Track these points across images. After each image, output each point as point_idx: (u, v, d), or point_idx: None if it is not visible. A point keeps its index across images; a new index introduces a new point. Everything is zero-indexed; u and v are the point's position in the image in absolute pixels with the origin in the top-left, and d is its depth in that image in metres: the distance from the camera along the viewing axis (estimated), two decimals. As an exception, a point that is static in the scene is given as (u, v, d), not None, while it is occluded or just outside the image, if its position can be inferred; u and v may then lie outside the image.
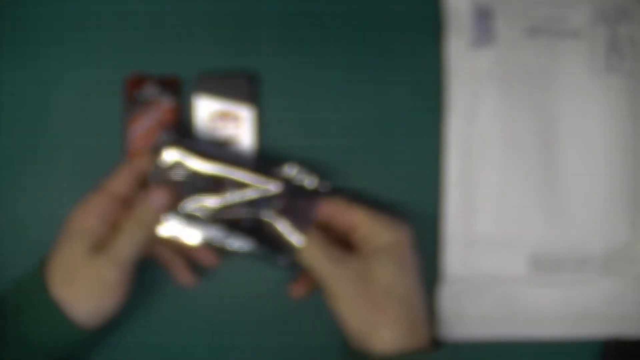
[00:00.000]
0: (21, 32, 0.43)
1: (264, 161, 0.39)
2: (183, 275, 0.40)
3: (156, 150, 0.38)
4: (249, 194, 0.38)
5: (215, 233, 0.38)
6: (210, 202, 0.38)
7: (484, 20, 0.42)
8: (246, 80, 0.42)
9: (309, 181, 0.38)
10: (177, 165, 0.38)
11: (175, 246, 0.40)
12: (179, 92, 0.42)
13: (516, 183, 0.42)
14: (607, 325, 0.43)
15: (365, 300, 0.36)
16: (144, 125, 0.41)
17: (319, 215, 0.38)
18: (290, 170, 0.38)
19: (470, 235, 0.43)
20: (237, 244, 0.38)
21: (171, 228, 0.38)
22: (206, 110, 0.42)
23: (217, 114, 0.41)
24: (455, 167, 0.43)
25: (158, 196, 0.37)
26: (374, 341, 0.35)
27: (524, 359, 0.44)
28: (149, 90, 0.41)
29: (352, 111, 0.43)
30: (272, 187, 0.38)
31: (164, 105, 0.41)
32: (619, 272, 0.43)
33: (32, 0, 0.43)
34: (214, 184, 0.38)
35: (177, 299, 0.43)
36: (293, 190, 0.38)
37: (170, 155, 0.38)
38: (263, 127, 0.43)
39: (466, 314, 0.43)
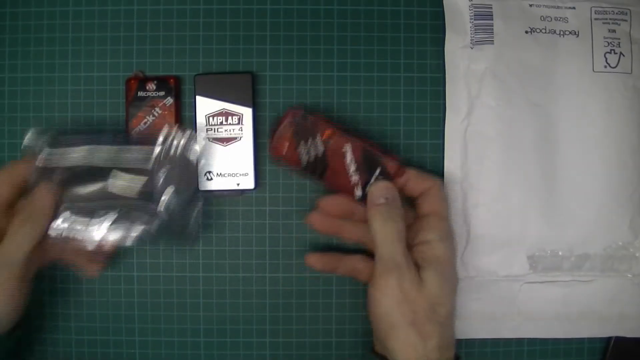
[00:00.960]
0: (23, 32, 0.43)
1: (139, 137, 0.38)
2: (88, 268, 0.39)
3: (31, 151, 0.37)
4: (132, 176, 0.37)
5: (107, 223, 0.37)
6: (93, 192, 0.37)
7: (483, 19, 0.42)
8: (246, 80, 0.42)
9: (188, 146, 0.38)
10: (54, 161, 0.37)
11: (70, 245, 0.39)
12: (179, 92, 0.42)
13: (516, 182, 0.42)
14: (607, 325, 0.43)
15: (409, 310, 0.35)
16: (145, 125, 0.41)
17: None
18: (167, 137, 0.38)
19: (469, 234, 0.43)
20: (130, 230, 0.37)
21: (61, 226, 0.37)
22: (206, 109, 0.42)
23: (216, 114, 0.42)
24: (455, 167, 0.43)
25: (41, 194, 0.36)
26: (399, 350, 0.35)
27: (524, 359, 0.44)
28: (149, 90, 0.42)
29: (352, 110, 0.43)
30: (154, 163, 0.37)
31: (164, 105, 0.41)
32: (619, 272, 0.43)
33: (34, 1, 0.43)
34: (93, 174, 0.37)
35: (177, 299, 0.43)
36: (174, 160, 0.37)
37: (46, 154, 0.37)
38: (263, 127, 0.43)
39: (466, 314, 0.43)
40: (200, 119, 0.42)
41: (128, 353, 0.43)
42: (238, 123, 0.42)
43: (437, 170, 0.43)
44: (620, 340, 0.43)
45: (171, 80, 0.42)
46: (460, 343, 0.44)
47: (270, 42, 0.43)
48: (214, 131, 0.42)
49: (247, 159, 0.42)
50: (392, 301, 0.35)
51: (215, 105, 0.42)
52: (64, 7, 0.43)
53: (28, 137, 0.37)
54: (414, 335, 0.35)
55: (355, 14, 0.43)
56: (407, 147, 0.43)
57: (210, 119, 0.42)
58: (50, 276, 0.43)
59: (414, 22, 0.43)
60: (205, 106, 0.42)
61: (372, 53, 0.43)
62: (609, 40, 0.43)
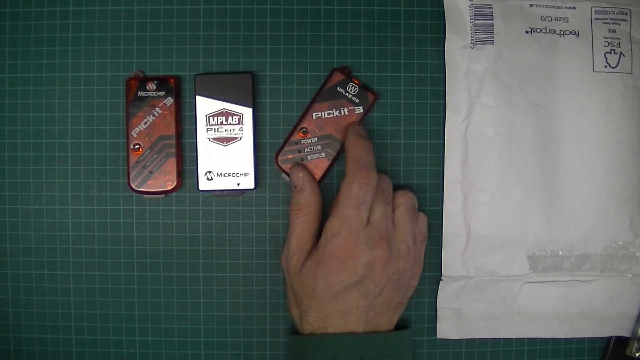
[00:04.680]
0: (23, 32, 0.43)
1: None
2: None
3: None
4: None
5: None
6: None
7: (483, 19, 0.42)
8: (246, 80, 0.42)
9: None
10: None
11: None
12: (179, 92, 0.42)
13: (516, 182, 0.42)
14: (607, 325, 0.43)
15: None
16: (144, 125, 0.41)
17: None
18: None
19: (469, 234, 0.43)
20: None
21: None
22: (206, 109, 0.42)
23: (217, 114, 0.42)
24: (455, 166, 0.43)
25: None
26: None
27: (524, 359, 0.44)
28: (150, 90, 0.42)
29: (352, 111, 0.43)
30: None
31: (164, 104, 0.41)
32: (619, 272, 0.43)
33: (34, 1, 0.43)
34: None
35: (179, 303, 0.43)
36: None
37: None
38: (263, 127, 0.43)
39: (466, 314, 0.43)
40: (200, 119, 0.42)
41: (128, 353, 0.43)
42: (238, 123, 0.42)
43: (437, 170, 0.43)
44: (620, 340, 0.43)
45: (171, 80, 0.42)
46: (461, 343, 0.44)
47: (270, 42, 0.43)
48: (214, 131, 0.42)
49: (247, 159, 0.42)
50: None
51: (216, 105, 0.42)
52: (64, 7, 0.43)
53: None
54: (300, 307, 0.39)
55: (355, 13, 0.43)
56: (407, 147, 0.43)
57: (210, 118, 0.42)
58: (51, 276, 0.43)
59: (414, 22, 0.43)
60: (205, 106, 0.42)
61: (372, 53, 0.43)
62: (609, 40, 0.43)
